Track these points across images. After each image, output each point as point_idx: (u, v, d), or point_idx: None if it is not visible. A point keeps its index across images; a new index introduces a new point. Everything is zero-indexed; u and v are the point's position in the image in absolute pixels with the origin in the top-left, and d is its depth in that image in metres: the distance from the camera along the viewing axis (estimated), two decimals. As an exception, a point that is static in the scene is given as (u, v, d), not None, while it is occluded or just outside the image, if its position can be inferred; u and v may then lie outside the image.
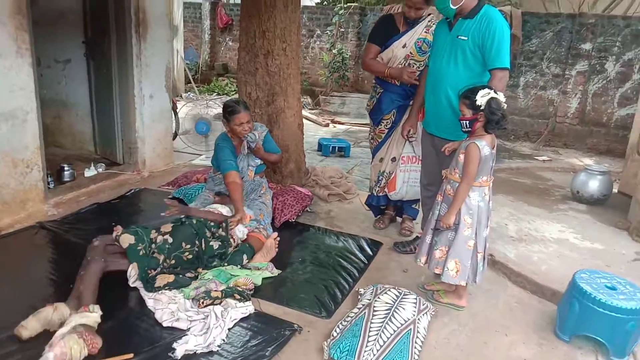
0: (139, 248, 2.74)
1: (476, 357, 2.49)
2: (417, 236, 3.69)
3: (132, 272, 2.71)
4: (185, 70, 9.76)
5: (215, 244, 3.04)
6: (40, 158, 3.68)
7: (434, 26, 3.35)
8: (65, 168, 4.29)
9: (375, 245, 3.63)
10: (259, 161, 3.69)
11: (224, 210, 3.34)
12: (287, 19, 3.96)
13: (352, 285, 3.05)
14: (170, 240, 2.88)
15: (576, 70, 6.89)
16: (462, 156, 2.71)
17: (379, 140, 3.75)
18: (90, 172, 4.47)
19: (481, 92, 2.57)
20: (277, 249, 3.29)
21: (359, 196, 4.58)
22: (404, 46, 3.43)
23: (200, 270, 2.91)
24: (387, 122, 3.67)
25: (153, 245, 2.81)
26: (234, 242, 3.17)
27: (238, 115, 3.45)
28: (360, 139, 7.12)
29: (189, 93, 9.78)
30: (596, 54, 6.73)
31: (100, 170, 4.56)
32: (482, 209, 2.73)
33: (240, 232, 3.23)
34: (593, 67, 6.80)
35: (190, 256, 2.93)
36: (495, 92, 2.58)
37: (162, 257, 2.82)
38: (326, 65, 9.10)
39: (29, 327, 2.24)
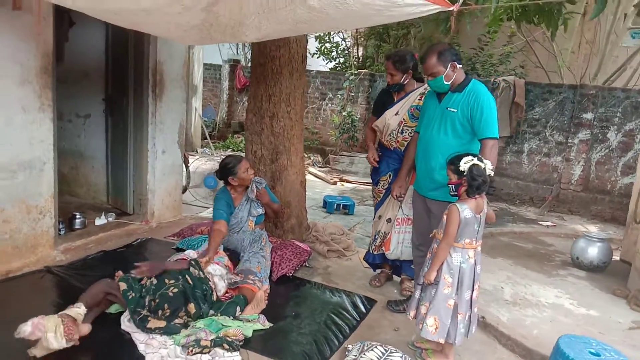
0: (129, 294, 2.91)
1: (457, 417, 2.51)
2: (410, 295, 3.76)
3: (125, 314, 2.84)
4: (202, 127, 10.17)
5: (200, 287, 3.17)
6: (53, 206, 3.88)
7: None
8: (77, 216, 4.48)
9: (369, 302, 3.69)
10: (260, 210, 3.86)
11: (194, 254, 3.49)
12: (291, 85, 4.25)
13: (341, 342, 3.09)
14: (155, 281, 3.05)
15: (579, 139, 7.06)
16: (445, 217, 2.83)
17: (379, 199, 3.92)
18: (100, 221, 4.66)
19: (464, 159, 2.71)
20: (266, 301, 3.37)
21: (359, 253, 4.67)
22: (396, 114, 3.65)
23: (191, 308, 3.00)
24: (384, 183, 3.85)
25: (143, 290, 2.96)
26: (214, 291, 3.27)
27: (241, 163, 3.74)
28: (365, 198, 7.27)
29: (204, 148, 10.14)
30: (598, 123, 6.92)
31: (110, 219, 4.75)
32: (465, 271, 2.76)
33: (220, 285, 3.37)
34: (595, 136, 6.96)
35: (176, 290, 3.02)
36: (479, 159, 2.72)
37: (148, 298, 2.95)
38: (336, 126, 9.43)
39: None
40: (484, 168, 2.71)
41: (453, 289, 2.76)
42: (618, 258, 5.06)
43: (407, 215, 3.73)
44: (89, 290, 2.92)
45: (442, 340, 2.79)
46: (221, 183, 3.95)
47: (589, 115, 6.95)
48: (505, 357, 3.15)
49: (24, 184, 3.63)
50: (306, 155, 10.09)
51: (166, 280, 3.06)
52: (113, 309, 3.07)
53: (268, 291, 3.49)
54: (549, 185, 7.36)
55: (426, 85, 3.75)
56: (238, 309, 3.19)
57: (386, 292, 3.94)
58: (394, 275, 4.12)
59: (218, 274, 3.42)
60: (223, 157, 4.15)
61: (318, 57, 11.55)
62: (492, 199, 7.73)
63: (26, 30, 3.48)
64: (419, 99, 3.63)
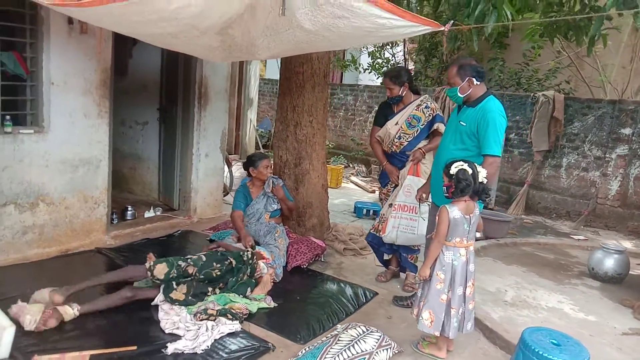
0: (170, 272, 3.40)
1: (420, 390, 2.83)
2: (412, 289, 4.09)
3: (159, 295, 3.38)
4: (256, 137, 10.89)
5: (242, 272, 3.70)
6: (106, 197, 4.57)
7: (425, 104, 4.01)
8: (129, 209, 5.19)
9: (371, 294, 4.06)
10: (276, 206, 4.41)
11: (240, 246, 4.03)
12: (313, 97, 4.75)
13: (334, 324, 3.48)
14: (204, 258, 3.58)
15: (616, 154, 6.99)
16: (437, 218, 3.15)
17: (386, 199, 4.31)
18: (149, 214, 5.34)
19: (455, 164, 3.02)
20: (272, 283, 3.84)
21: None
22: (396, 124, 4.08)
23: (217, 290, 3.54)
24: (391, 183, 4.27)
25: (184, 264, 3.46)
26: (258, 272, 3.81)
27: (264, 160, 4.39)
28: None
29: (259, 157, 10.83)
30: (637, 138, 6.83)
31: (157, 213, 5.42)
32: (457, 268, 3.03)
33: (264, 267, 3.89)
34: (634, 151, 6.87)
35: (219, 272, 3.56)
36: (470, 166, 3.00)
37: (194, 269, 3.46)
38: (380, 138, 9.80)
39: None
40: (472, 173, 2.99)
41: (445, 285, 3.03)
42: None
43: (405, 202, 4.06)
44: (102, 299, 3.32)
45: (437, 333, 3.06)
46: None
47: (627, 131, 6.88)
48: (486, 348, 3.40)
49: (83, 178, 4.35)
50: (350, 165, 10.53)
51: (214, 263, 3.58)
52: (142, 284, 3.65)
53: (273, 275, 3.94)
54: (586, 199, 7.31)
55: (425, 96, 4.16)
56: (249, 290, 3.68)
57: (391, 288, 4.28)
58: (400, 273, 4.45)
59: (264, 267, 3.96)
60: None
61: (370, 73, 11.98)
62: (528, 212, 7.78)
63: (90, 50, 4.21)
64: (416, 109, 4.02)
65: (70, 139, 4.20)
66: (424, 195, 3.85)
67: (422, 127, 4.13)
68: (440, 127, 4.10)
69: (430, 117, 4.12)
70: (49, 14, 3.84)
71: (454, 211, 2.99)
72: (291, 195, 4.72)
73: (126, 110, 6.16)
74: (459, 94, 3.34)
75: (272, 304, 3.63)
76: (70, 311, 3.06)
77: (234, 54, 3.55)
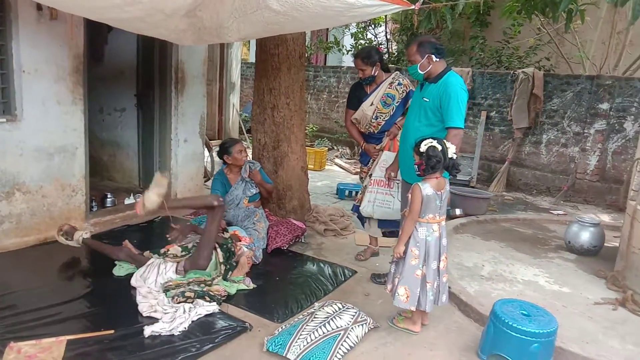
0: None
1: (394, 364, 2.90)
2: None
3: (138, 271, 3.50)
4: (240, 122, 10.85)
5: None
6: (84, 185, 4.56)
7: (397, 82, 4.03)
8: (108, 196, 5.18)
9: (350, 272, 4.12)
10: (254, 191, 4.40)
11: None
12: (290, 79, 4.73)
13: (312, 302, 3.54)
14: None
15: (595, 129, 7.08)
16: (409, 196, 3.19)
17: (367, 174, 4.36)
18: (129, 201, 5.33)
19: (425, 142, 3.06)
20: (249, 265, 3.87)
21: (355, 234, 5.10)
22: (371, 104, 4.08)
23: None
24: (372, 161, 4.31)
25: None
26: (239, 253, 3.88)
27: (237, 144, 4.35)
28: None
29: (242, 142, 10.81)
30: (614, 113, 6.91)
31: (137, 199, 5.39)
32: (430, 243, 3.09)
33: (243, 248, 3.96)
34: (612, 126, 6.96)
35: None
36: (439, 142, 3.06)
37: None
38: (364, 120, 9.81)
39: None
40: (442, 150, 3.05)
41: (420, 260, 3.09)
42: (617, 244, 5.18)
43: (381, 177, 4.10)
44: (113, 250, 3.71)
45: (413, 308, 3.11)
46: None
47: (604, 106, 6.96)
48: (460, 321, 3.48)
49: (59, 166, 4.33)
50: (334, 148, 10.55)
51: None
52: (123, 272, 3.70)
53: (252, 257, 3.98)
54: (566, 175, 7.41)
55: (396, 73, 4.18)
56: (230, 273, 3.72)
57: (370, 266, 4.34)
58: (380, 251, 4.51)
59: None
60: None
61: (353, 54, 11.92)
62: (509, 189, 7.88)
63: (61, 36, 4.15)
64: (389, 87, 4.03)
65: (44, 126, 4.16)
66: (392, 174, 3.92)
67: (397, 104, 4.16)
68: None
69: (404, 94, 4.15)
70: (16, 0, 3.78)
71: (427, 188, 3.04)
72: (270, 178, 4.72)
73: (104, 97, 6.11)
74: (419, 71, 3.41)
75: (251, 285, 3.67)
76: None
77: (204, 37, 3.53)
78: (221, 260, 3.60)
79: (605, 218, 6.49)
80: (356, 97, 4.25)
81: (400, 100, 4.15)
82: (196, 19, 3.22)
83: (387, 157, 4.10)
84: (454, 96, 3.30)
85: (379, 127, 4.13)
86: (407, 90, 4.16)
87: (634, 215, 4.12)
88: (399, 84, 4.15)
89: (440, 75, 3.42)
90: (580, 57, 8.11)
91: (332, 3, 3.04)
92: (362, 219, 4.40)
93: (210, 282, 3.45)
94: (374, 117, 4.10)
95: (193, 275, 3.43)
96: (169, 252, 3.62)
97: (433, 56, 3.38)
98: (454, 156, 3.07)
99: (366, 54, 4.05)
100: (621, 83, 6.87)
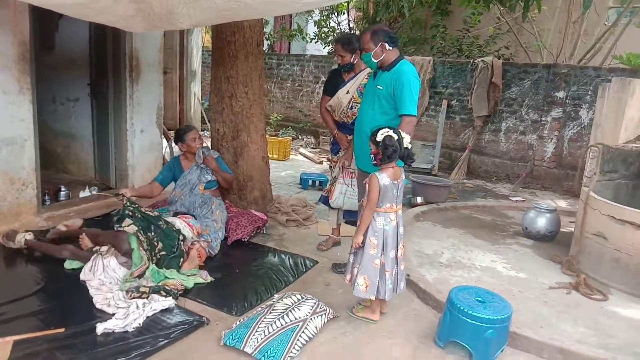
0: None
1: (352, 353, 2.89)
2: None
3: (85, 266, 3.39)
4: (201, 111, 10.65)
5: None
6: (35, 178, 4.37)
7: None
8: (62, 189, 4.99)
9: (311, 263, 4.10)
10: (209, 177, 4.33)
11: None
12: (248, 67, 4.64)
13: (272, 294, 3.50)
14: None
15: (551, 117, 7.25)
16: (366, 185, 3.18)
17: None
18: (84, 194, 5.16)
19: (381, 131, 3.05)
20: (199, 258, 3.80)
21: (318, 224, 5.08)
22: (347, 92, 4.03)
23: (160, 248, 3.58)
24: (342, 151, 4.27)
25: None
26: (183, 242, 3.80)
27: (190, 132, 4.32)
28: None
29: (204, 131, 10.62)
30: (570, 101, 7.09)
31: (93, 192, 5.24)
32: (388, 232, 3.10)
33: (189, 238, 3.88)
34: (568, 113, 7.14)
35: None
36: (395, 132, 3.06)
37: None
38: (327, 109, 9.78)
39: None
40: (398, 139, 3.04)
41: (378, 250, 3.10)
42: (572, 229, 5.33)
43: (352, 169, 4.09)
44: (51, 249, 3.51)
45: (372, 297, 3.13)
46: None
47: (561, 94, 7.14)
48: (419, 308, 3.51)
49: (6, 158, 4.13)
50: (299, 137, 10.49)
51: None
52: (75, 265, 3.58)
53: (207, 248, 3.91)
54: (525, 162, 7.58)
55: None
56: (180, 261, 3.64)
57: (331, 256, 4.33)
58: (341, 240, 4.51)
59: (188, 234, 3.89)
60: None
61: (316, 42, 11.85)
62: (470, 176, 8.01)
63: (3, 22, 3.94)
64: (366, 78, 3.97)
65: (-11, 118, 3.97)
66: (346, 162, 3.92)
67: None
68: None
69: None
70: (-47, -17, 3.57)
71: (384, 178, 3.04)
72: (230, 168, 4.64)
73: (57, 86, 5.87)
74: (372, 59, 3.41)
75: (209, 279, 3.61)
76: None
77: (155, 23, 3.40)
78: (145, 247, 3.48)
79: (562, 204, 6.68)
80: (333, 83, 4.17)
81: None
82: (144, 5, 3.10)
83: None
84: (406, 84, 3.32)
85: (353, 117, 4.06)
86: None
87: (587, 201, 4.24)
88: None
89: (393, 63, 3.43)
90: (537, 46, 8.27)
91: (286, -10, 2.99)
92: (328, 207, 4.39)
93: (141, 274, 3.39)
94: (349, 106, 4.04)
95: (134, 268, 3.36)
96: (100, 249, 3.51)
97: (386, 44, 3.39)
98: (409, 145, 3.08)
99: (347, 40, 3.98)
100: (576, 71, 7.05)
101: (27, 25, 4.12)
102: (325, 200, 4.34)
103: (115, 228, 3.63)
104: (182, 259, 3.64)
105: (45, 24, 5.72)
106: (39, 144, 4.40)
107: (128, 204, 3.76)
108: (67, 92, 5.91)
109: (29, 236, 3.89)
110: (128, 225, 3.47)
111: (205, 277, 3.60)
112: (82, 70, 5.69)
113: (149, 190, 4.41)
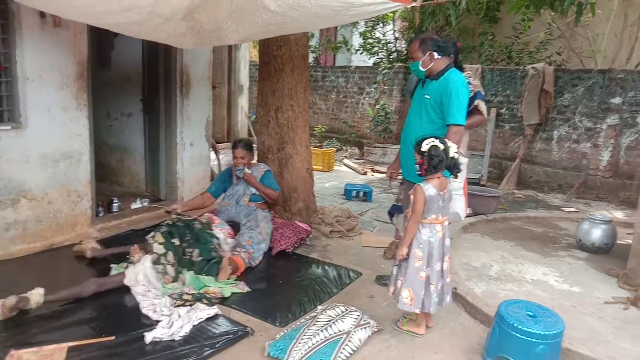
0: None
1: (397, 367, 2.86)
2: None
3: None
4: (248, 124, 10.85)
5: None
6: (90, 190, 4.58)
7: (467, 80, 3.92)
8: (114, 201, 5.20)
9: (355, 274, 4.08)
10: (254, 190, 4.39)
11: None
12: (293, 81, 4.71)
13: (316, 305, 3.49)
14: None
15: (607, 124, 6.94)
16: (411, 196, 3.14)
17: None
18: (135, 205, 5.36)
19: (426, 141, 3.01)
20: (239, 269, 3.86)
21: (362, 235, 5.06)
22: None
23: (195, 254, 3.68)
24: None
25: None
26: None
27: (236, 150, 4.40)
28: (391, 187, 7.55)
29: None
30: (627, 107, 6.77)
31: (144, 204, 5.44)
32: (434, 245, 3.04)
33: (224, 245, 3.99)
34: (625, 120, 6.81)
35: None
36: (441, 142, 3.01)
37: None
38: (371, 119, 9.77)
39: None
40: (444, 149, 3.00)
41: (424, 262, 3.04)
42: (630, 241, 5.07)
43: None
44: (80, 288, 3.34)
45: (417, 311, 3.07)
46: None
47: (617, 100, 6.83)
48: (466, 323, 3.42)
49: (64, 172, 4.35)
50: (343, 148, 10.50)
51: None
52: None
53: (239, 259, 3.93)
54: (578, 172, 7.28)
55: (465, 73, 4.03)
56: (217, 275, 3.70)
57: (376, 267, 4.28)
58: None
59: (220, 236, 3.98)
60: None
61: (361, 54, 11.88)
62: (520, 186, 7.77)
63: (64, 43, 4.18)
64: None
65: (49, 133, 4.19)
66: (394, 173, 3.87)
67: None
68: (481, 104, 4.00)
69: (472, 94, 3.98)
70: (20, 7, 3.80)
71: (429, 189, 2.99)
72: (275, 179, 4.68)
73: (111, 102, 6.16)
74: (420, 68, 3.40)
75: (246, 289, 3.63)
76: (36, 293, 3.11)
77: (204, 39, 3.52)
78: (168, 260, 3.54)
79: (619, 215, 6.37)
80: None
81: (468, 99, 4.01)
82: (194, 22, 3.22)
83: None
84: (454, 93, 3.29)
85: None
86: (476, 91, 4.01)
87: (646, 212, 4.02)
88: (469, 83, 4.02)
89: (442, 72, 3.41)
90: (591, 51, 7.96)
91: (330, 2, 3.02)
92: (392, 214, 4.26)
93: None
94: None
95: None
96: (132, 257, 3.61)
97: (435, 53, 3.38)
98: (455, 155, 3.02)
99: (442, 42, 3.88)
100: (634, 76, 6.73)
101: (86, 45, 4.35)
102: (397, 209, 4.15)
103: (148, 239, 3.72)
104: (220, 267, 3.70)
105: (102, 42, 6.02)
106: (94, 158, 4.61)
107: (177, 218, 3.87)
108: (121, 108, 6.18)
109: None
110: (157, 242, 3.57)
111: (241, 288, 3.63)
112: (136, 87, 5.94)
113: (201, 202, 4.54)
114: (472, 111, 4.05)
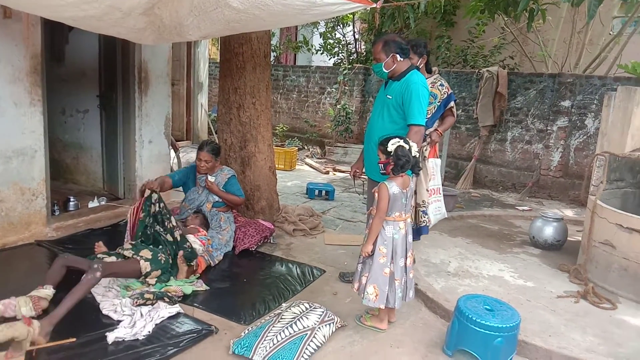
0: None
1: (360, 363, 2.90)
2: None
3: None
4: (209, 122, 10.72)
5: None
6: (45, 188, 4.42)
7: (439, 82, 4.04)
8: (71, 199, 5.04)
9: (319, 271, 4.11)
10: (217, 197, 4.33)
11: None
12: (255, 79, 4.70)
13: (280, 303, 3.51)
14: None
15: (557, 126, 7.25)
16: (375, 194, 3.18)
17: None
18: (93, 204, 5.20)
19: (392, 141, 3.05)
20: (199, 267, 3.84)
21: (325, 233, 5.10)
22: None
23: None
24: None
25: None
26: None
27: (201, 152, 4.25)
28: (352, 186, 7.64)
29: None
30: (576, 110, 7.10)
31: (102, 202, 5.29)
32: (397, 241, 3.11)
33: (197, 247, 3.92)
34: (574, 123, 7.14)
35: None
36: (405, 142, 3.07)
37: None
38: (332, 119, 9.85)
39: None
40: (409, 149, 3.07)
41: (388, 259, 3.10)
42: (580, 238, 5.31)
43: (433, 186, 4.05)
44: (50, 270, 3.22)
45: (382, 306, 3.12)
46: None
47: (566, 103, 7.15)
48: (427, 317, 3.51)
49: (17, 169, 4.19)
50: (305, 147, 10.53)
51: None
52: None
53: (201, 258, 3.92)
54: (531, 171, 7.58)
55: (436, 76, 4.13)
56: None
57: (338, 264, 4.34)
58: None
59: (196, 247, 3.91)
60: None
61: (322, 54, 11.94)
62: (476, 186, 8.01)
63: (16, 35, 4.02)
64: (431, 87, 3.91)
65: (1, 129, 4.02)
66: (357, 172, 3.93)
67: (438, 104, 4.07)
68: (454, 106, 4.15)
69: (446, 95, 4.07)
70: (-33, -2, 3.64)
71: (393, 187, 3.05)
72: (237, 177, 4.63)
73: (66, 98, 5.96)
74: (384, 69, 3.44)
75: (204, 287, 3.61)
76: (49, 292, 3.11)
77: (165, 35, 3.47)
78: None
79: (569, 213, 6.66)
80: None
81: (441, 100, 4.07)
82: (155, 17, 3.16)
83: (434, 164, 4.03)
84: (414, 94, 3.34)
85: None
86: (449, 92, 4.10)
87: (594, 210, 4.23)
88: (441, 84, 4.07)
89: (404, 73, 3.47)
90: (542, 55, 8.29)
91: (293, 1, 3.03)
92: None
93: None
94: None
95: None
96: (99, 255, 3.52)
97: (397, 55, 3.43)
98: (417, 154, 3.10)
99: (415, 42, 3.93)
100: (582, 81, 7.06)
101: (39, 38, 4.20)
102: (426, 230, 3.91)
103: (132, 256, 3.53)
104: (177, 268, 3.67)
105: (56, 36, 5.81)
106: (49, 155, 4.46)
107: (155, 195, 3.81)
108: (77, 104, 5.98)
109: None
110: (144, 260, 3.50)
111: (200, 286, 3.61)
112: (92, 82, 5.77)
113: (161, 182, 4.28)
114: (444, 113, 4.18)
